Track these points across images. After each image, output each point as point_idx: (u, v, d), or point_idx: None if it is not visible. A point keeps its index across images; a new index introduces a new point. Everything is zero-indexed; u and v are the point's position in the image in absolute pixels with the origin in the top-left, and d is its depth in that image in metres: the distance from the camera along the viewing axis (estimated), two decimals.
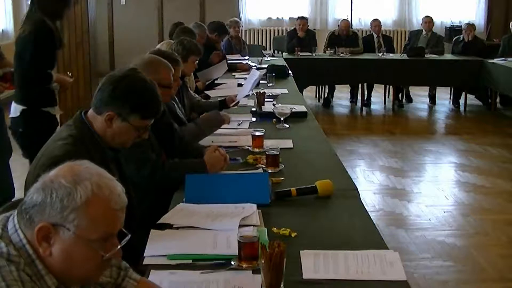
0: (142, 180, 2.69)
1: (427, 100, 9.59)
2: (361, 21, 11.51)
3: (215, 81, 5.86)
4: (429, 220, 4.64)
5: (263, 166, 2.94)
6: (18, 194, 4.18)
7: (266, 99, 4.51)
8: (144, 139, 2.27)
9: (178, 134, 3.28)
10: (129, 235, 1.43)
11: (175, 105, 3.64)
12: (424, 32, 9.46)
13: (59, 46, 4.03)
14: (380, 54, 9.03)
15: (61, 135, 2.14)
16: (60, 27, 4.08)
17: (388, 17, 11.50)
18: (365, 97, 9.09)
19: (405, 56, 8.93)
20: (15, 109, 3.93)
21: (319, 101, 9.51)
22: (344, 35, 9.28)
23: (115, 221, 1.38)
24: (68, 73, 4.33)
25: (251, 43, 11.14)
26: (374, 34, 9.49)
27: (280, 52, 9.82)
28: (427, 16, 9.51)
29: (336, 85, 9.42)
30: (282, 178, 2.78)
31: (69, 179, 1.34)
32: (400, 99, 9.38)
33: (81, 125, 2.15)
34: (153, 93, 2.20)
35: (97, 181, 1.36)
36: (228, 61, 6.70)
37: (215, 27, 6.93)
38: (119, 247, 1.41)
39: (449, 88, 9.54)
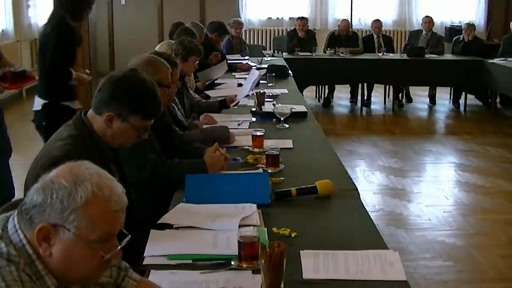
0: (143, 180, 2.70)
1: (427, 100, 9.59)
2: (361, 21, 11.52)
3: (215, 81, 5.86)
4: (429, 220, 4.64)
5: (263, 166, 2.94)
6: (18, 194, 4.18)
7: (266, 99, 4.51)
8: (144, 139, 2.27)
9: (178, 134, 3.28)
10: (129, 236, 1.43)
11: (175, 107, 3.64)
12: (424, 32, 9.46)
13: (78, 43, 4.19)
14: (380, 54, 9.02)
15: (60, 136, 2.14)
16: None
17: (388, 17, 11.50)
18: (365, 97, 9.10)
19: (405, 56, 8.93)
20: (37, 103, 4.11)
21: (319, 101, 9.51)
22: (344, 35, 9.28)
23: (115, 222, 1.39)
24: (86, 70, 4.41)
25: (251, 43, 11.15)
26: (374, 34, 9.49)
27: (280, 52, 9.82)
28: (427, 16, 9.51)
29: (336, 85, 9.43)
30: (282, 178, 2.78)
31: (69, 180, 1.34)
32: (400, 99, 9.38)
33: (81, 125, 2.15)
34: (153, 94, 2.20)
35: (97, 181, 1.36)
36: (228, 61, 6.70)
37: (215, 27, 6.93)
38: (119, 247, 1.41)
39: (449, 88, 9.54)
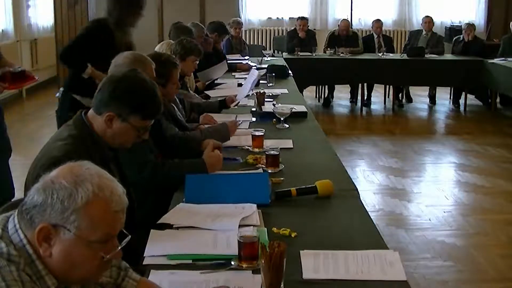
0: (143, 181, 2.70)
1: (427, 100, 9.59)
2: (361, 21, 11.51)
3: (215, 81, 5.86)
4: (429, 220, 4.64)
5: (263, 166, 2.94)
6: (18, 194, 4.18)
7: (266, 99, 4.51)
8: (143, 140, 2.26)
9: (169, 130, 3.27)
10: (129, 236, 1.43)
11: (175, 107, 3.64)
12: (424, 32, 9.46)
13: (123, 48, 4.19)
14: (380, 54, 9.02)
15: (61, 135, 2.14)
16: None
17: (388, 17, 11.49)
18: (365, 97, 9.10)
19: (405, 56, 8.93)
20: (60, 91, 4.28)
21: (319, 101, 9.51)
22: (344, 35, 9.28)
23: (115, 222, 1.38)
24: None
25: (251, 43, 11.14)
26: (374, 34, 9.49)
27: (280, 52, 9.82)
28: (427, 16, 9.51)
29: (336, 85, 9.43)
30: (282, 178, 2.78)
31: (70, 180, 1.34)
32: (400, 99, 9.37)
33: (81, 125, 2.15)
34: (153, 94, 2.20)
35: (98, 182, 1.36)
36: (228, 61, 6.70)
37: (215, 27, 6.92)
38: (119, 248, 1.41)
39: (449, 88, 9.54)
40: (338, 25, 9.53)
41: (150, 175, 2.73)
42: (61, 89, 4.24)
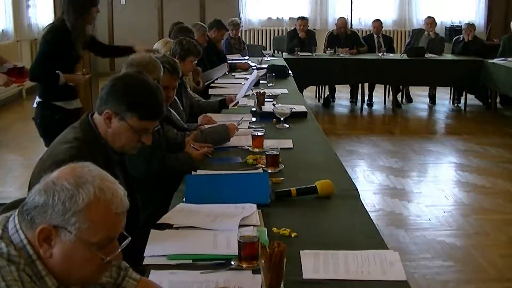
0: (152, 174, 2.79)
1: (427, 100, 9.59)
2: (361, 21, 11.52)
3: (215, 81, 5.86)
4: (429, 220, 4.64)
5: (263, 166, 2.94)
6: (18, 194, 4.19)
7: (266, 99, 4.50)
8: (146, 144, 2.21)
9: (168, 133, 3.29)
10: (130, 238, 1.43)
11: (171, 111, 3.63)
12: (426, 33, 9.44)
13: (83, 47, 4.17)
14: (380, 54, 9.02)
15: (66, 138, 2.12)
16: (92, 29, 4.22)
17: (388, 17, 11.50)
18: (367, 97, 9.10)
19: (405, 56, 8.93)
20: (35, 100, 4.16)
21: (319, 101, 9.51)
22: (343, 33, 9.27)
23: (116, 225, 1.38)
24: (83, 69, 4.39)
25: (251, 43, 11.14)
26: (374, 34, 9.49)
27: (280, 52, 9.82)
28: (429, 17, 9.48)
29: (336, 85, 9.42)
30: (282, 178, 2.78)
31: (71, 182, 1.34)
32: (398, 100, 9.29)
33: (87, 128, 2.14)
34: (152, 94, 2.17)
35: (99, 184, 1.35)
36: (228, 61, 6.70)
37: (212, 24, 6.91)
38: (119, 250, 1.41)
39: (449, 88, 9.54)
40: (336, 24, 9.52)
41: (159, 165, 2.81)
42: (36, 98, 4.08)
